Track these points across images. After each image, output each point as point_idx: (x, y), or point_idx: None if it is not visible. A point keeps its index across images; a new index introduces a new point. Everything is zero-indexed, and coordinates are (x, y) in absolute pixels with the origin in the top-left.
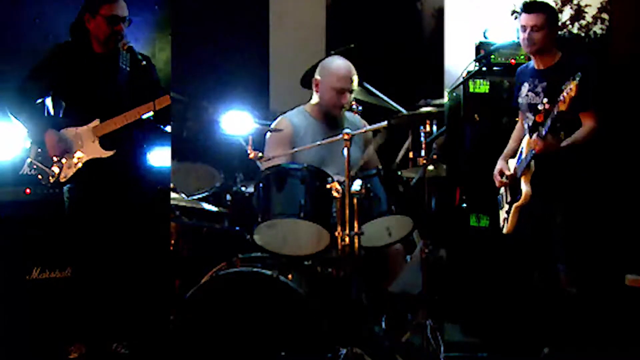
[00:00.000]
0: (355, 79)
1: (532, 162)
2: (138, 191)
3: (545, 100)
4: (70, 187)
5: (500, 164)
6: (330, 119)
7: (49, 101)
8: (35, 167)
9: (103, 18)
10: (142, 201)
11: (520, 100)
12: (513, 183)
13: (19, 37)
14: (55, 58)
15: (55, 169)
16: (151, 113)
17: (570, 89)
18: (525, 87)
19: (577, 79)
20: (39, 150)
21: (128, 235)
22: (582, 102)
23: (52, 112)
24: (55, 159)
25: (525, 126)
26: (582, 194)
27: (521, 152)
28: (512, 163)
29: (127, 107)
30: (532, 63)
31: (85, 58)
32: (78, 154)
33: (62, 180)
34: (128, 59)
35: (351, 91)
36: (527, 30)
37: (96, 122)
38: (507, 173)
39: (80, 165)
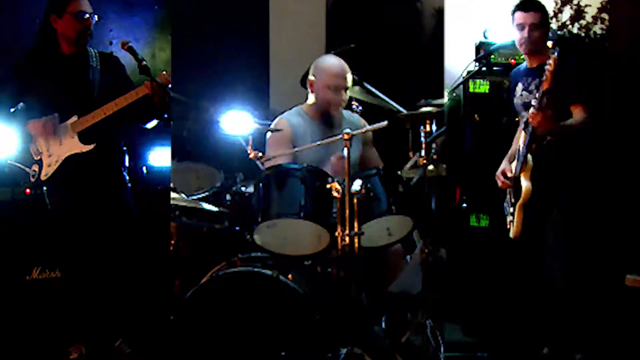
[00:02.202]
0: (349, 76)
1: (530, 158)
2: (120, 187)
3: (538, 96)
4: (49, 188)
5: (503, 165)
6: (327, 119)
7: (21, 105)
8: (15, 167)
9: (71, 15)
10: (126, 197)
11: (515, 100)
12: (516, 183)
13: (19, 37)
14: (24, 64)
15: (36, 168)
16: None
17: (549, 64)
18: (519, 87)
19: (556, 53)
20: (20, 150)
21: (120, 232)
22: (572, 94)
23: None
24: (34, 152)
25: (522, 125)
26: (581, 192)
27: (519, 150)
28: (514, 165)
29: (102, 104)
30: (526, 63)
31: (54, 61)
32: (57, 152)
33: (44, 178)
34: (97, 57)
35: (346, 88)
36: (526, 29)
37: (74, 118)
38: (510, 175)
39: (60, 162)
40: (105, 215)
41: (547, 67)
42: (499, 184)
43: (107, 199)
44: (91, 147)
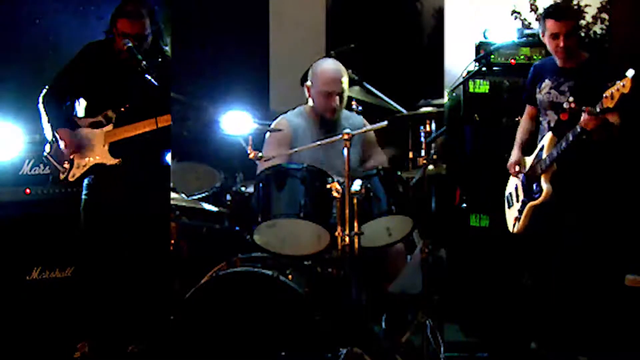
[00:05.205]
0: (345, 80)
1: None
2: (147, 195)
3: (571, 99)
4: (89, 183)
5: (517, 155)
6: (326, 122)
7: (77, 102)
8: (48, 161)
9: (117, 32)
10: (148, 203)
11: (540, 96)
12: (529, 181)
13: (19, 37)
14: (86, 56)
15: (67, 166)
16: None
17: (623, 85)
18: (546, 84)
19: (631, 75)
20: (54, 147)
21: (134, 237)
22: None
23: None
24: (69, 155)
25: (545, 124)
26: (591, 195)
27: (541, 149)
28: (529, 160)
29: (145, 112)
30: (554, 60)
31: (110, 60)
32: (88, 156)
33: (71, 179)
34: (158, 64)
35: (340, 93)
36: (561, 38)
37: (109, 127)
38: (524, 170)
39: (88, 167)
40: (119, 219)
41: (617, 87)
42: (512, 172)
43: (126, 205)
44: (117, 161)
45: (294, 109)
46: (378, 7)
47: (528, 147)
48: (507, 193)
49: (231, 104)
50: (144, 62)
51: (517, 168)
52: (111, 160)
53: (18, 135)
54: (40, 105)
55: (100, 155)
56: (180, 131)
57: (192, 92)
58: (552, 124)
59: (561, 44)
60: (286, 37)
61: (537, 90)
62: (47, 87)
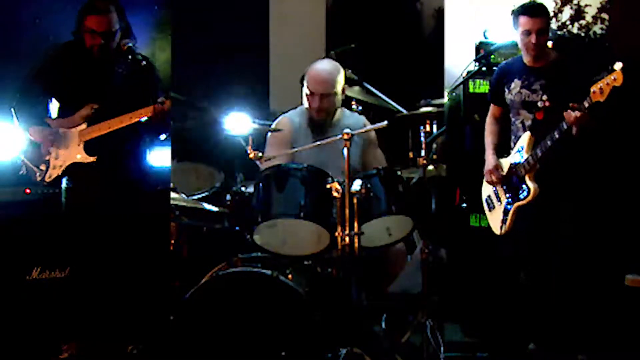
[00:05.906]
0: (336, 81)
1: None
2: (131, 194)
3: (544, 97)
4: (68, 186)
5: (494, 160)
6: (322, 122)
7: (52, 103)
8: (25, 164)
9: (86, 30)
10: (136, 203)
11: (510, 97)
12: (511, 182)
13: (19, 37)
14: (56, 57)
15: (43, 168)
16: (144, 119)
17: (614, 78)
18: (516, 84)
19: (619, 68)
20: (31, 149)
21: (126, 235)
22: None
23: (52, 114)
24: (44, 153)
25: (519, 124)
26: (585, 193)
27: (520, 149)
28: (506, 161)
29: (121, 110)
30: (521, 59)
31: (82, 59)
32: (63, 156)
33: (47, 180)
34: (128, 61)
35: (323, 94)
36: (533, 35)
37: (83, 126)
38: (502, 173)
39: (64, 167)
40: (109, 218)
41: (607, 81)
42: (493, 179)
43: (110, 204)
44: (93, 159)
45: (295, 108)
46: (378, 7)
47: (499, 149)
48: (484, 196)
49: (231, 104)
50: (144, 62)
51: (497, 173)
52: (86, 159)
53: (18, 136)
54: (12, 110)
55: (74, 154)
56: (180, 131)
57: (192, 92)
58: (527, 124)
59: (533, 40)
60: (286, 37)
61: (507, 91)
62: (17, 94)
